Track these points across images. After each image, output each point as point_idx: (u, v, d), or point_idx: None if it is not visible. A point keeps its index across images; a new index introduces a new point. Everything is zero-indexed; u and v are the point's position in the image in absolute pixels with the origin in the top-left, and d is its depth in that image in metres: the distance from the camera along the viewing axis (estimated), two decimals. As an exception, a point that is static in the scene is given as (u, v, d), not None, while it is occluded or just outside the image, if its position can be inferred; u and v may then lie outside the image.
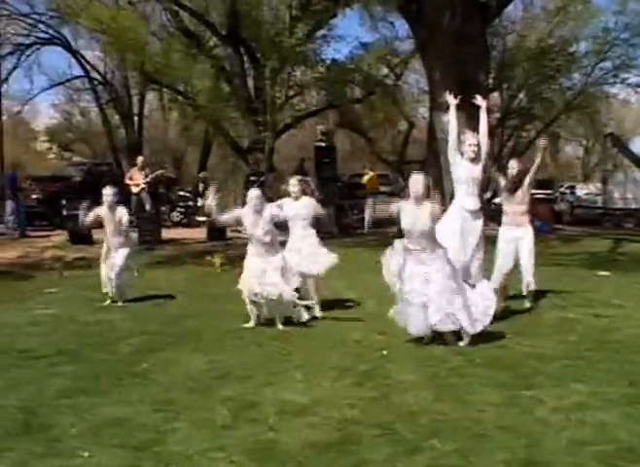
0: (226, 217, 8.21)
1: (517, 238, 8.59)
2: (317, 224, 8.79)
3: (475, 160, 7.76)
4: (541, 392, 5.24)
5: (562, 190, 30.27)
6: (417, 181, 6.69)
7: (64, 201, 17.90)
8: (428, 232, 6.67)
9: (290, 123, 25.01)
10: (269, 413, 4.89)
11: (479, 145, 7.75)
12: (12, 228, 17.68)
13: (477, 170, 7.80)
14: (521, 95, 27.54)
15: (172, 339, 7.27)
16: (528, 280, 8.56)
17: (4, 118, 28.82)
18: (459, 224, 7.72)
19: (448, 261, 6.82)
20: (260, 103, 22.06)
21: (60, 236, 16.87)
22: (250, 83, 23.85)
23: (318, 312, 8.36)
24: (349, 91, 26.00)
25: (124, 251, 9.61)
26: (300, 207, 8.52)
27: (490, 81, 24.27)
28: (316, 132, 24.33)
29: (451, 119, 7.94)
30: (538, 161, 9.04)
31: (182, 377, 5.84)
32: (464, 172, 7.80)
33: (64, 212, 17.49)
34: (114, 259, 9.51)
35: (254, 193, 7.99)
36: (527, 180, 8.61)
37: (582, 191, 30.08)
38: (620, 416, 4.70)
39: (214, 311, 8.77)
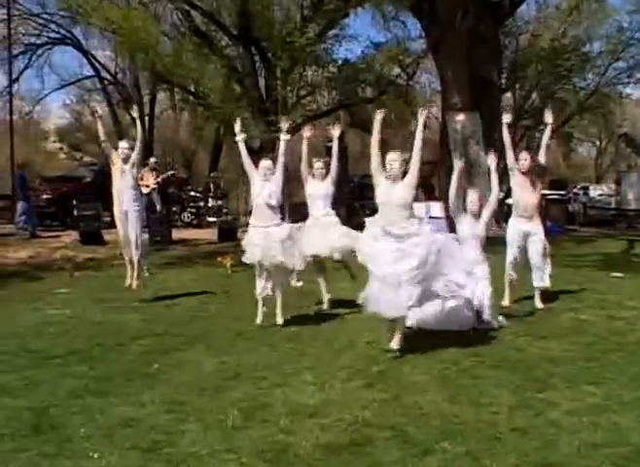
0: (245, 154, 8.28)
1: (527, 234, 8.66)
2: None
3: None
4: (554, 394, 5.22)
5: (575, 191, 30.15)
6: (393, 159, 6.60)
7: (75, 202, 17.98)
8: (403, 204, 6.50)
9: (301, 122, 25.01)
10: (280, 414, 4.89)
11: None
12: (22, 228, 17.75)
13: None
14: (534, 95, 27.50)
15: (183, 339, 7.28)
16: (541, 278, 8.66)
17: (15, 118, 28.93)
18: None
19: (431, 237, 6.63)
20: (271, 103, 22.08)
21: (71, 237, 16.92)
22: (261, 83, 23.87)
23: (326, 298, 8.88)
24: (361, 91, 26.01)
25: (138, 209, 9.53)
26: (324, 187, 8.83)
27: (503, 81, 24.23)
28: (327, 133, 24.31)
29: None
30: (546, 137, 9.18)
31: (193, 378, 5.85)
32: None
33: (75, 212, 17.57)
34: (130, 220, 9.40)
35: (265, 163, 8.13)
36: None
37: (595, 191, 29.96)
38: (634, 419, 4.68)
39: (225, 312, 8.78)
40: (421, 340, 6.92)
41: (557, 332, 7.34)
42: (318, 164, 8.98)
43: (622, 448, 4.23)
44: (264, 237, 7.84)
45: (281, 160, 8.14)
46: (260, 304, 8.02)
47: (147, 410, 5.07)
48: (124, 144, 9.59)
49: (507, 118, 8.87)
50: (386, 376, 5.81)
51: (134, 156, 9.46)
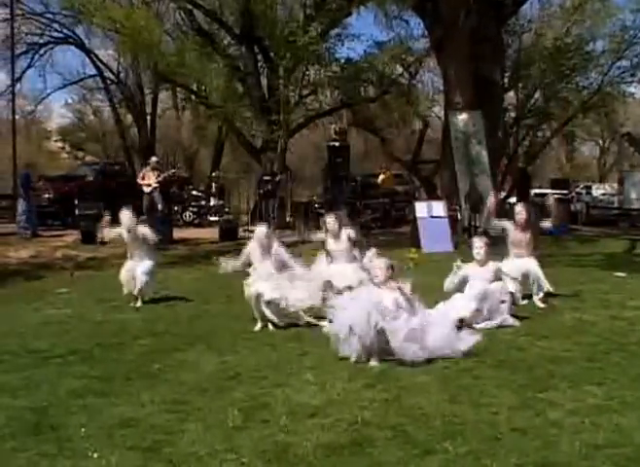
0: (239, 264, 8.29)
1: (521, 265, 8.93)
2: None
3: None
4: (556, 394, 5.22)
5: (578, 190, 30.11)
6: (378, 267, 6.73)
7: (77, 201, 18.00)
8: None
9: (303, 122, 25.02)
10: (281, 414, 4.89)
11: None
12: (23, 227, 17.75)
13: None
14: (537, 95, 27.41)
15: (184, 339, 7.29)
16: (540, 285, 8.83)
17: (17, 117, 28.99)
18: None
19: None
20: (273, 102, 22.08)
21: (72, 236, 16.93)
22: (264, 82, 23.88)
23: None
24: (363, 91, 25.96)
25: (149, 262, 9.61)
26: (341, 243, 8.96)
27: (506, 80, 24.20)
28: (330, 132, 24.33)
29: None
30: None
31: (193, 378, 5.85)
32: None
33: (77, 212, 17.58)
34: (139, 266, 9.48)
35: (261, 230, 8.20)
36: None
37: (598, 191, 29.91)
38: (636, 419, 4.67)
39: (226, 312, 8.78)
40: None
41: (559, 331, 7.34)
42: (329, 220, 9.13)
43: (624, 448, 4.22)
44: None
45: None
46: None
47: (147, 409, 5.07)
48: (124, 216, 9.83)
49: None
50: (387, 376, 5.80)
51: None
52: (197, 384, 5.66)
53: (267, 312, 7.84)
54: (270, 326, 7.88)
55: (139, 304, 9.40)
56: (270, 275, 7.94)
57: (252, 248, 8.18)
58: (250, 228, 19.59)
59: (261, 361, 6.36)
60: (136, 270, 9.42)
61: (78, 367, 6.26)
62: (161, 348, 6.91)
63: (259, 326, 7.92)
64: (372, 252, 8.69)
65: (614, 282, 10.74)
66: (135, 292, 9.42)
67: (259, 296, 7.83)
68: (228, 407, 5.05)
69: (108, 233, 9.88)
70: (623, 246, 16.29)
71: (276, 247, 8.12)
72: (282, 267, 8.06)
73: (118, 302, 9.52)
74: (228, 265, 8.32)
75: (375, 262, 7.01)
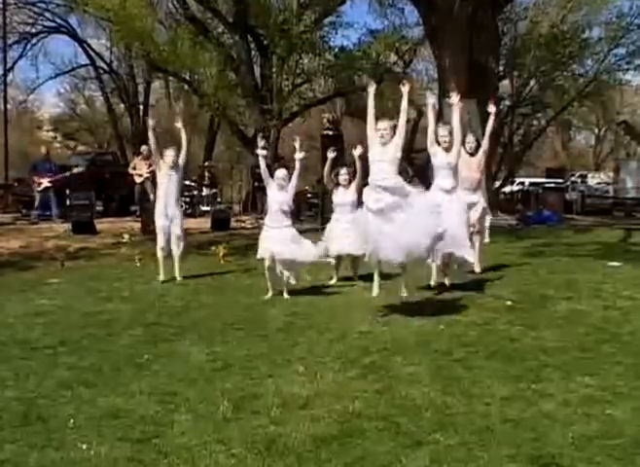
0: (264, 167, 9.15)
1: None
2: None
3: (447, 149, 8.78)
4: (548, 385, 5.21)
5: (573, 179, 30.14)
6: (384, 127, 7.69)
7: (68, 191, 17.93)
8: (392, 161, 7.67)
9: (296, 111, 24.96)
10: (271, 405, 4.88)
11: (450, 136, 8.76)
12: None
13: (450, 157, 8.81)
14: (533, 83, 27.42)
15: (174, 330, 7.26)
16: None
17: (9, 107, 28.85)
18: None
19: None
20: (266, 91, 22.06)
21: (63, 226, 16.87)
22: (257, 71, 23.83)
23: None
24: (357, 79, 25.93)
25: (180, 220, 10.58)
26: (349, 195, 9.84)
27: (501, 68, 24.17)
28: (323, 121, 24.26)
29: (430, 117, 8.99)
30: (489, 126, 10.28)
31: (183, 369, 5.83)
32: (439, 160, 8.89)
33: (68, 202, 17.53)
34: (176, 221, 10.48)
35: (280, 173, 9.09)
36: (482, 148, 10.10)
37: (593, 180, 29.95)
38: (629, 410, 4.67)
39: (217, 302, 8.76)
40: (414, 330, 6.94)
41: (553, 322, 7.33)
42: (343, 172, 10.06)
43: (617, 439, 4.21)
44: (276, 236, 8.78)
45: (295, 179, 9.03)
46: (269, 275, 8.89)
47: (137, 400, 5.05)
48: (170, 152, 10.47)
49: (491, 108, 10.06)
50: (378, 366, 5.79)
51: (180, 161, 10.47)
52: (187, 375, 5.64)
53: (285, 273, 8.73)
54: (285, 294, 8.81)
55: (179, 279, 10.51)
56: (283, 239, 8.75)
57: (270, 183, 9.01)
58: (242, 218, 19.60)
59: (251, 351, 6.34)
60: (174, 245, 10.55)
61: (67, 357, 6.22)
62: (152, 339, 6.88)
63: (269, 295, 8.80)
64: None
65: (608, 272, 10.73)
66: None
67: (273, 256, 8.71)
68: (218, 397, 5.04)
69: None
70: (618, 235, 16.29)
71: (292, 183, 9.00)
72: (291, 204, 9.02)
73: (108, 292, 9.50)
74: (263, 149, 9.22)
75: (381, 123, 7.75)
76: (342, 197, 9.94)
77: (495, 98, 11.28)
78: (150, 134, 10.61)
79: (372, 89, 8.02)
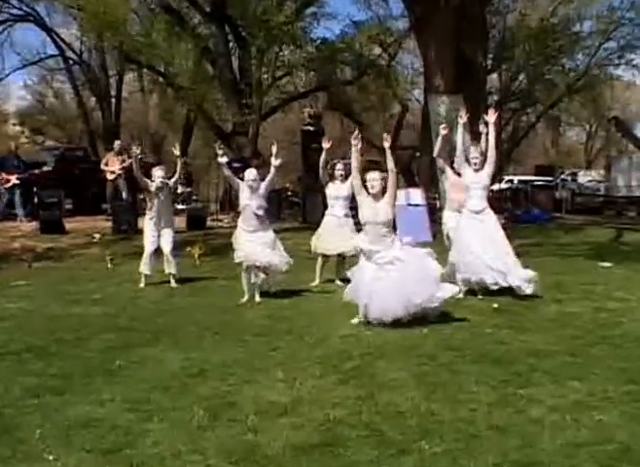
0: (229, 174, 9.29)
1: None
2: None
3: (478, 170, 8.96)
4: (536, 390, 5.24)
5: (563, 177, 30.28)
6: (374, 178, 7.57)
7: (36, 189, 17.81)
8: (388, 222, 7.52)
9: (276, 105, 24.94)
10: (249, 413, 4.86)
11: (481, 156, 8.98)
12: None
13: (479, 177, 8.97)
14: (522, 77, 27.55)
15: (148, 334, 7.24)
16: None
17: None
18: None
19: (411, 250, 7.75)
20: (245, 85, 22.00)
21: (31, 225, 16.76)
22: (235, 63, 23.79)
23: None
24: (340, 72, 25.96)
25: (171, 231, 10.64)
26: (343, 190, 10.04)
27: (489, 62, 24.24)
28: (303, 115, 24.26)
29: (458, 137, 9.38)
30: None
31: (157, 376, 5.81)
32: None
33: (36, 200, 17.41)
34: (164, 236, 10.46)
35: (251, 173, 9.13)
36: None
37: (584, 178, 30.09)
38: (619, 416, 4.70)
39: (192, 305, 8.75)
40: (398, 333, 6.95)
41: (542, 325, 7.38)
42: (339, 167, 10.31)
43: (607, 446, 4.24)
44: (254, 240, 8.91)
45: (267, 184, 9.12)
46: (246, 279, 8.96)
47: (107, 409, 5.03)
48: (159, 172, 10.60)
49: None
50: (361, 372, 5.79)
51: (171, 183, 10.79)
52: (161, 382, 5.62)
53: (260, 278, 8.95)
54: (257, 297, 8.89)
55: (174, 284, 10.38)
56: (262, 243, 8.91)
57: (242, 187, 9.05)
58: (220, 216, 19.55)
59: (228, 357, 6.32)
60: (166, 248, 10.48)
61: (34, 364, 6.19)
62: (124, 344, 6.85)
63: (245, 298, 8.85)
64: None
65: (599, 273, 10.82)
66: (173, 272, 10.49)
67: (252, 262, 8.81)
68: (193, 405, 5.01)
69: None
70: (609, 235, 16.42)
71: (264, 186, 9.07)
72: (266, 207, 9.09)
73: (78, 295, 9.45)
74: (222, 156, 9.29)
75: (370, 175, 7.66)
76: (337, 190, 10.18)
77: (496, 108, 10.75)
78: (134, 165, 10.60)
79: (356, 143, 7.96)
